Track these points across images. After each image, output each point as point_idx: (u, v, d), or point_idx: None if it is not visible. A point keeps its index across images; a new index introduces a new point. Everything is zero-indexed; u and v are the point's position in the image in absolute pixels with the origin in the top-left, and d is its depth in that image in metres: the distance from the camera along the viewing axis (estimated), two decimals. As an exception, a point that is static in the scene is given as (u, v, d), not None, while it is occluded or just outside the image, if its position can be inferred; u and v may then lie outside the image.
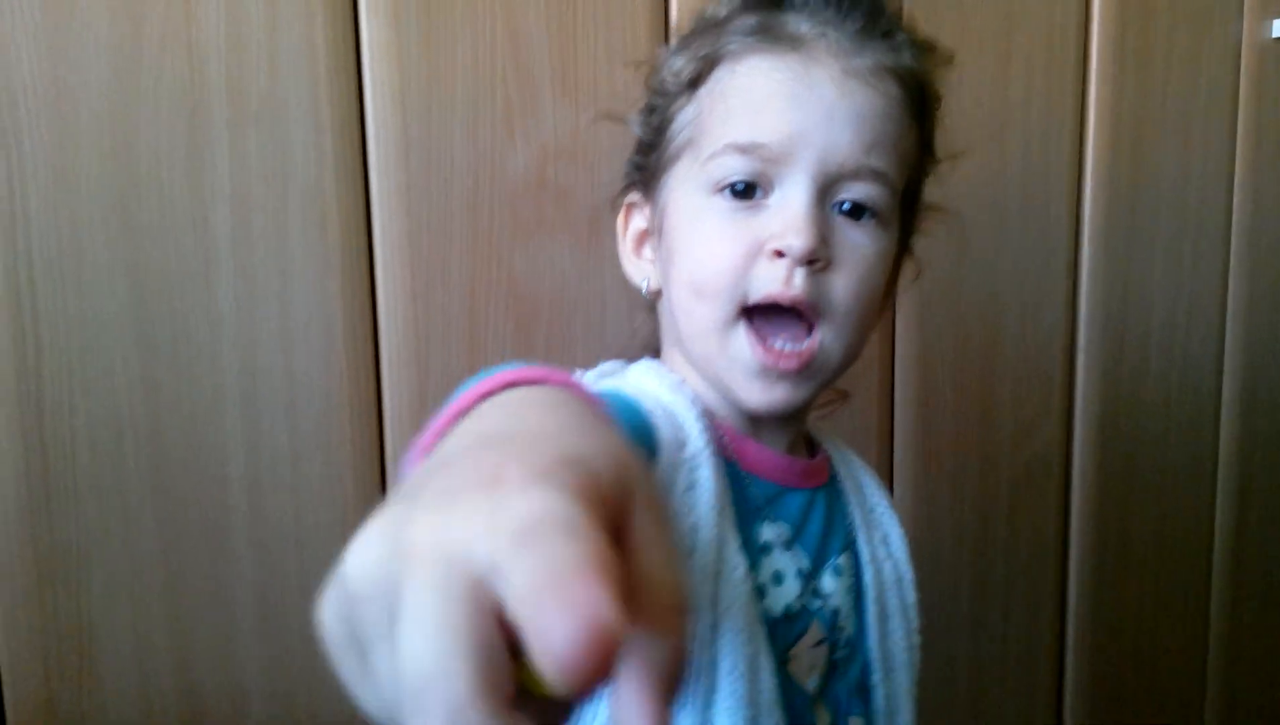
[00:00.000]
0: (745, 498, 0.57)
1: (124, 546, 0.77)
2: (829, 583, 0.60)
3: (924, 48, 0.58)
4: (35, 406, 0.73)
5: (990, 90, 1.09)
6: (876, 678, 0.62)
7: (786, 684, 0.55)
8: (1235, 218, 1.31)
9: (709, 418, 0.57)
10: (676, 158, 0.59)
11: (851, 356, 0.58)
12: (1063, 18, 1.13)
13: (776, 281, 0.53)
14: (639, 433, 0.50)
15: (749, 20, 0.56)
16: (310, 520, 0.82)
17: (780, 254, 0.53)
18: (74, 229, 0.72)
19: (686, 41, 0.60)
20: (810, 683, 0.57)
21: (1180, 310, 1.28)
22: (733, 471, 0.57)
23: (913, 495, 1.13)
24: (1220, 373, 1.34)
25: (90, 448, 0.75)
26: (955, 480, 1.15)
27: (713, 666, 0.52)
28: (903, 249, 0.63)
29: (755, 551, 0.56)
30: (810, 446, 0.67)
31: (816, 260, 0.54)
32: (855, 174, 0.54)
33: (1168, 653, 1.36)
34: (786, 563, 0.58)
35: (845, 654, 0.60)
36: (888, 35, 0.56)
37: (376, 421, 0.84)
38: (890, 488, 1.11)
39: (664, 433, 0.52)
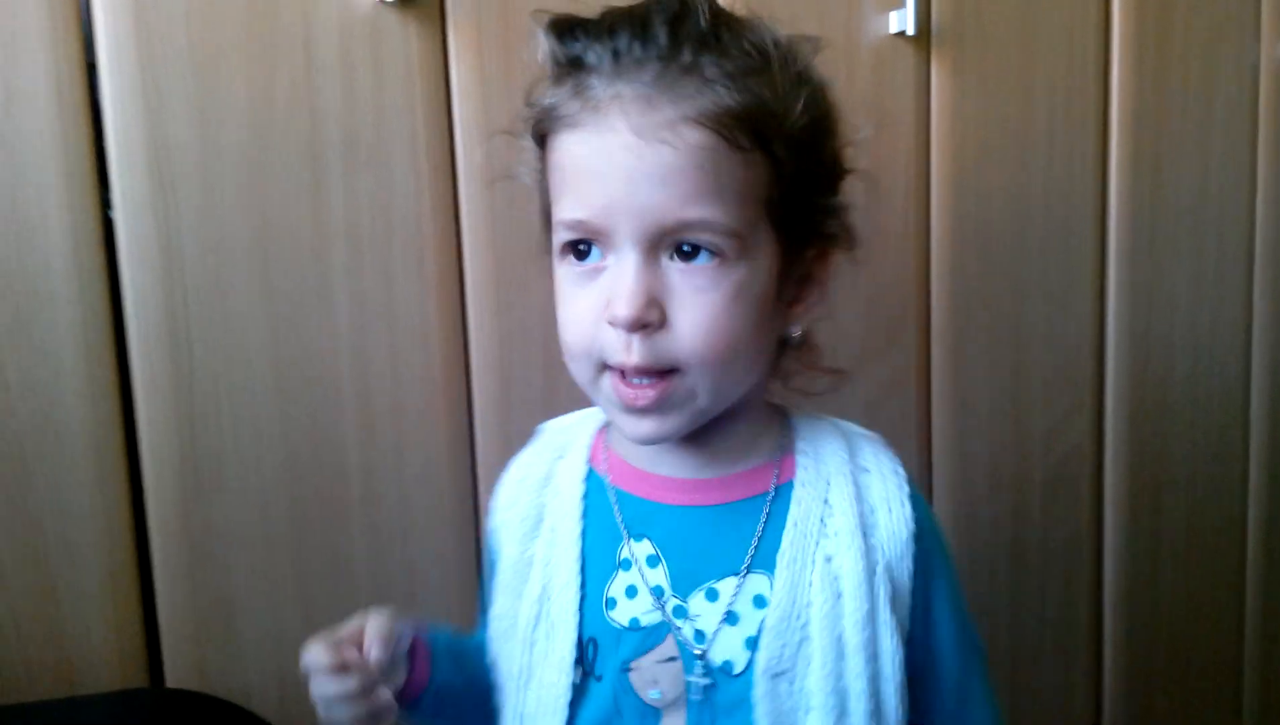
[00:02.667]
0: (619, 514, 0.62)
1: (261, 530, 0.90)
2: (699, 603, 0.59)
3: (753, 61, 0.54)
4: (188, 415, 0.87)
5: (1014, 107, 1.17)
6: (810, 716, 0.57)
7: (622, 690, 0.59)
8: (1259, 225, 1.37)
9: (607, 447, 0.65)
10: (548, 216, 0.61)
11: (732, 381, 0.58)
12: (1082, 37, 1.21)
13: (619, 350, 0.55)
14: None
15: (559, 91, 0.56)
16: (414, 505, 0.95)
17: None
18: (219, 263, 0.86)
19: (526, 111, 0.61)
20: (652, 694, 0.59)
21: (1204, 313, 1.35)
22: (611, 491, 0.63)
23: (950, 494, 1.21)
24: (1248, 373, 1.40)
25: (234, 449, 0.88)
26: (991, 479, 1.23)
27: (519, 648, 0.62)
28: (791, 255, 0.59)
29: (614, 564, 0.61)
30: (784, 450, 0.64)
31: (647, 324, 0.54)
32: (676, 229, 0.54)
33: (1203, 644, 1.42)
34: (641, 579, 0.60)
35: (716, 681, 0.58)
36: (691, 72, 0.53)
37: (467, 419, 0.97)
38: (929, 488, 1.20)
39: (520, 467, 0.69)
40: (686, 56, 0.53)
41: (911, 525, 0.60)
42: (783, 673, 0.57)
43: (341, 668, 0.57)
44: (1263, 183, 1.37)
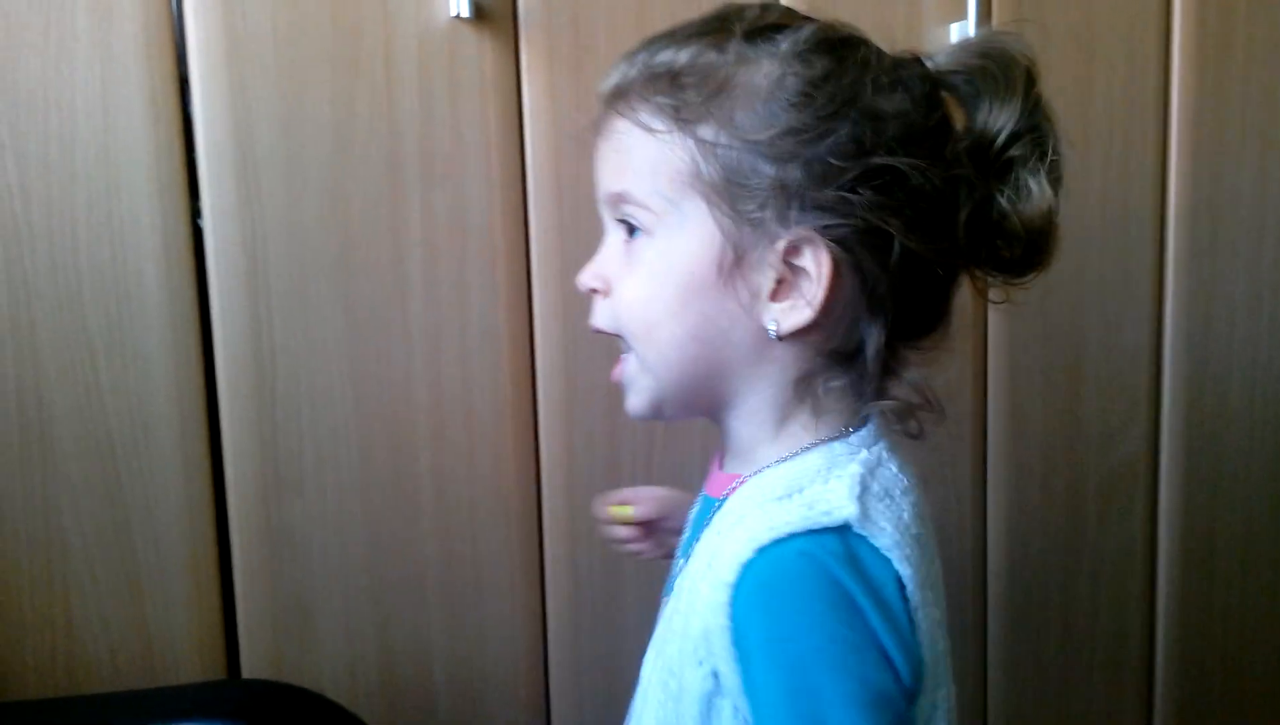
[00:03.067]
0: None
1: (337, 528, 0.94)
2: (680, 562, 0.64)
3: (688, 69, 0.56)
4: (270, 417, 0.90)
5: (1073, 110, 1.17)
6: (641, 674, 0.64)
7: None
8: (1318, 235, 1.37)
9: None
10: None
11: (670, 356, 0.58)
12: (1143, 40, 1.21)
13: (594, 314, 0.62)
14: None
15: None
16: (483, 505, 0.98)
17: None
18: (302, 271, 0.89)
19: None
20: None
21: (1263, 320, 1.34)
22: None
23: (1005, 500, 1.22)
24: (1306, 384, 1.40)
25: (313, 449, 0.92)
26: (1045, 486, 1.24)
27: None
28: (749, 235, 0.56)
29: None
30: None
31: (595, 290, 0.61)
32: (611, 201, 0.59)
33: (1255, 656, 1.41)
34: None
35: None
36: (631, 68, 0.57)
37: (532, 423, 1.00)
38: (984, 495, 1.21)
39: None
40: (635, 61, 0.58)
41: (728, 588, 0.52)
42: (657, 652, 0.62)
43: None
44: (1323, 193, 1.36)
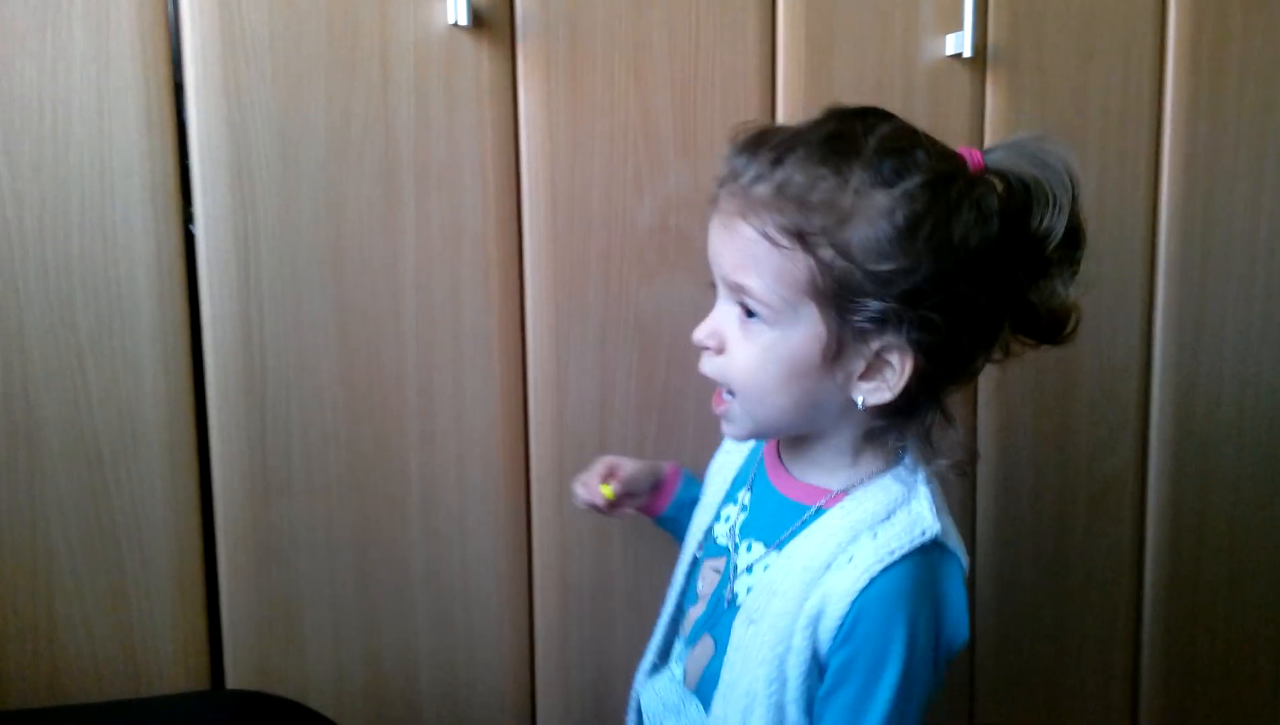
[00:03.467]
0: (752, 473, 0.84)
1: (325, 534, 0.93)
2: (744, 552, 0.78)
3: (820, 186, 0.67)
4: (259, 419, 0.90)
5: (1068, 128, 1.18)
6: (730, 644, 0.75)
7: (694, 575, 0.84)
8: (1310, 251, 1.38)
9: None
10: None
11: (772, 420, 0.74)
12: (1137, 59, 1.22)
13: (703, 361, 0.75)
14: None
15: (715, 182, 0.75)
16: (472, 512, 0.98)
17: None
18: (295, 274, 0.89)
19: None
20: (701, 586, 0.82)
21: (1254, 337, 1.35)
22: (756, 461, 0.84)
23: (994, 509, 1.22)
24: (1294, 397, 1.40)
25: (301, 453, 0.91)
26: (1035, 496, 1.24)
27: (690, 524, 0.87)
28: (850, 339, 0.69)
29: (733, 494, 0.85)
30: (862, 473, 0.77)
31: (707, 347, 0.74)
32: (733, 287, 0.71)
33: (1242, 666, 1.42)
34: (735, 512, 0.82)
35: (728, 600, 0.77)
36: (762, 182, 0.68)
37: (523, 431, 1.00)
38: (973, 505, 1.22)
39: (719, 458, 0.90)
40: (766, 172, 0.68)
41: (855, 587, 0.68)
42: (753, 624, 0.73)
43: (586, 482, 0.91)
44: (1314, 207, 1.37)
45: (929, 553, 0.70)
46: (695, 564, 0.84)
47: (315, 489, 0.93)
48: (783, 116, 1.05)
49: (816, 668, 0.71)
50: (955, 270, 0.67)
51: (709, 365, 0.74)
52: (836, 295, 0.67)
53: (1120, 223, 1.24)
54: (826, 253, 0.66)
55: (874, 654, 0.68)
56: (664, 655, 0.88)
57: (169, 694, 0.87)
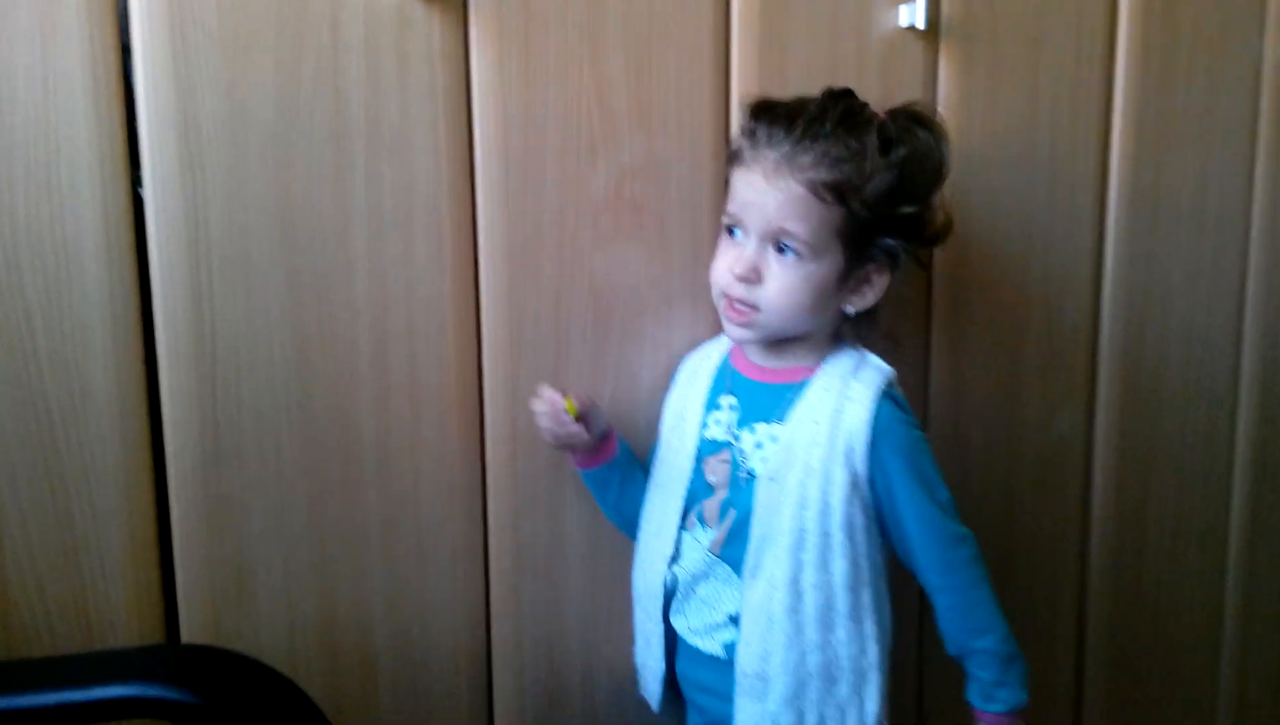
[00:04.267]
0: (728, 380, 1.01)
1: (277, 496, 0.94)
2: (746, 437, 0.97)
3: (850, 151, 0.89)
4: (210, 383, 0.91)
5: (1020, 100, 1.21)
6: (755, 504, 0.94)
7: (698, 473, 0.99)
8: (1255, 221, 1.41)
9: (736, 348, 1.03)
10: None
11: (790, 328, 0.95)
12: (1090, 32, 1.24)
13: (734, 287, 0.92)
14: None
15: (741, 142, 0.94)
16: (425, 476, 0.99)
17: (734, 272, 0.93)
18: (244, 238, 0.89)
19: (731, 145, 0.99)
20: (712, 478, 0.98)
21: (1199, 306, 1.38)
22: (729, 369, 1.01)
23: (946, 470, 1.25)
24: (1238, 367, 1.44)
25: (253, 416, 0.92)
26: (985, 459, 1.28)
27: (666, 444, 1.03)
28: (854, 266, 0.93)
29: (713, 402, 1.00)
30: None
31: (747, 280, 0.92)
32: (777, 232, 0.91)
33: (1185, 626, 1.47)
34: (725, 415, 0.99)
35: (745, 477, 0.96)
36: (805, 152, 0.89)
37: (478, 396, 1.01)
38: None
39: (692, 358, 1.06)
40: (805, 143, 0.89)
41: (867, 418, 0.92)
42: (774, 479, 0.93)
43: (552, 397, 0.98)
44: (1260, 180, 1.40)
45: (893, 390, 0.96)
46: (697, 466, 0.99)
47: (267, 451, 0.93)
48: (737, 89, 1.06)
49: (856, 494, 0.92)
50: (927, 206, 0.95)
51: (742, 291, 0.92)
52: (856, 235, 0.91)
53: (1071, 192, 1.27)
54: (855, 204, 0.89)
55: (899, 453, 0.93)
56: (671, 559, 1.01)
57: (121, 648, 0.88)
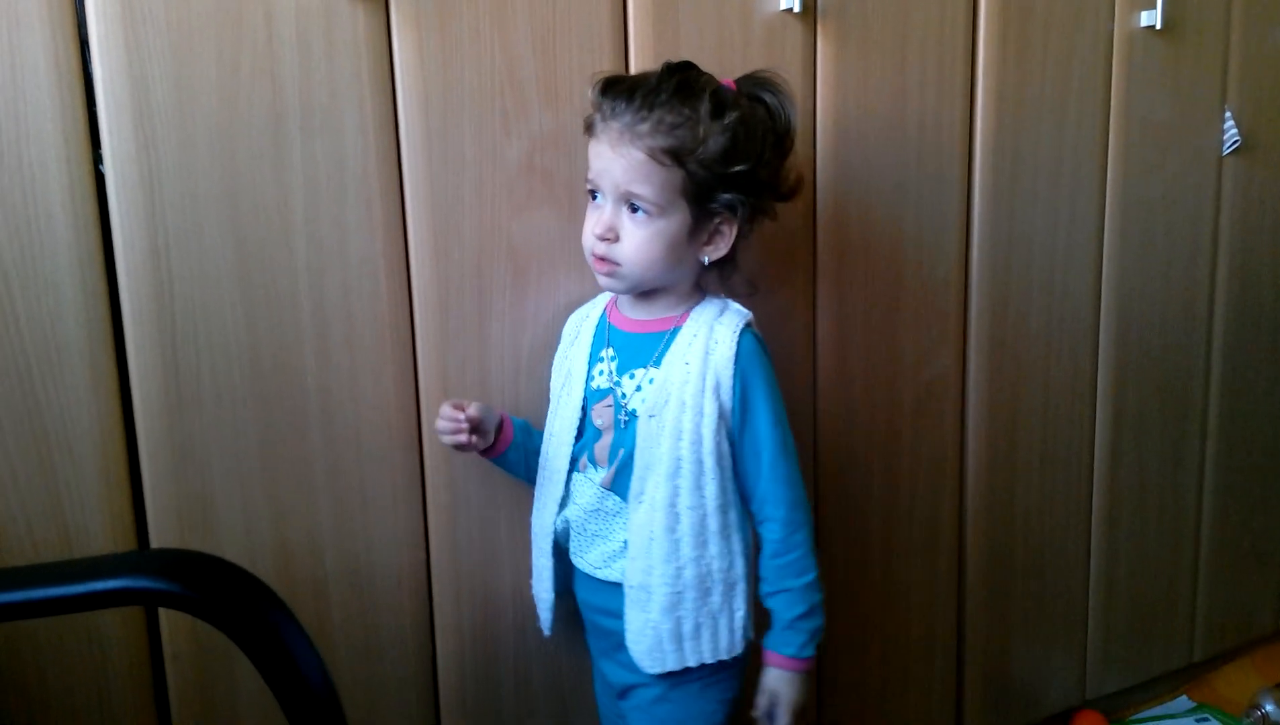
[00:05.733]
0: (607, 335, 1.12)
1: (233, 438, 1.06)
2: (625, 382, 1.08)
3: (686, 118, 0.98)
4: (170, 338, 1.02)
5: (891, 73, 1.35)
6: (637, 438, 1.05)
7: (588, 421, 1.11)
8: (1109, 176, 1.57)
9: (611, 302, 1.14)
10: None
11: (651, 279, 1.05)
12: (952, 10, 1.38)
13: (598, 246, 1.03)
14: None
15: (592, 115, 1.04)
16: (365, 420, 1.12)
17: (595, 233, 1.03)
18: (195, 210, 1.01)
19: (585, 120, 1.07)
20: (599, 422, 1.09)
21: (1059, 253, 1.54)
22: (607, 325, 1.12)
23: (833, 410, 1.40)
24: (1098, 309, 1.60)
25: (210, 367, 1.04)
26: (868, 398, 1.42)
27: (557, 398, 1.14)
28: (702, 220, 1.03)
29: (595, 356, 1.11)
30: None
31: (606, 238, 1.02)
32: (626, 195, 1.01)
33: (1052, 539, 1.64)
34: (605, 365, 1.10)
35: (626, 419, 1.07)
36: (643, 121, 0.98)
37: (411, 347, 1.14)
38: (814, 404, 1.39)
39: (572, 320, 1.17)
40: (644, 113, 0.99)
41: (731, 354, 1.03)
42: (653, 416, 1.04)
43: (452, 414, 1.10)
44: (1113, 140, 1.56)
45: (751, 329, 1.07)
46: (585, 415, 1.11)
47: (223, 400, 1.05)
48: (635, 66, 1.19)
49: (723, 424, 1.04)
50: (756, 164, 1.02)
51: (603, 249, 1.03)
52: (698, 193, 1.01)
53: (939, 154, 1.41)
54: (693, 165, 0.99)
55: (757, 383, 1.05)
56: (561, 501, 1.12)
57: (116, 553, 0.99)
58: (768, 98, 1.06)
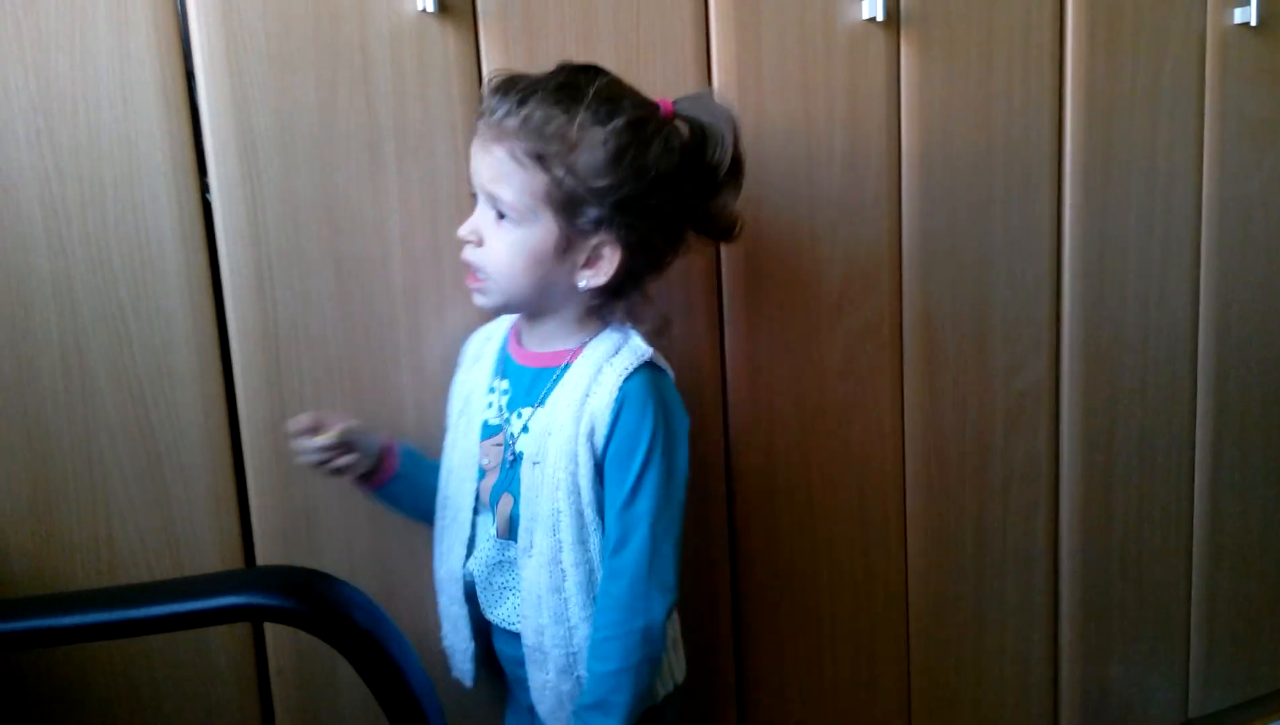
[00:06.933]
0: (500, 362, 1.04)
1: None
2: (515, 420, 1.00)
3: (555, 119, 0.90)
4: (274, 359, 1.04)
5: (976, 80, 1.34)
6: (521, 487, 0.97)
7: (480, 457, 1.01)
8: (1205, 176, 1.53)
9: (514, 327, 1.05)
10: None
11: (519, 297, 0.96)
12: (1039, 12, 1.36)
13: (465, 251, 0.97)
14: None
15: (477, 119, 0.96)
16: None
17: None
18: (297, 232, 1.04)
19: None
20: (485, 462, 1.01)
21: (1154, 258, 1.51)
22: (503, 354, 1.05)
23: (922, 424, 1.38)
24: (1196, 312, 1.56)
25: (312, 386, 1.06)
26: (957, 411, 1.40)
27: (454, 427, 1.05)
28: (575, 237, 0.93)
29: (489, 388, 1.03)
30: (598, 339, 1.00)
31: (469, 241, 0.96)
32: (489, 196, 0.93)
33: (1152, 560, 1.59)
34: (497, 398, 1.02)
35: (511, 460, 0.99)
36: (510, 117, 0.91)
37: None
38: (902, 421, 1.38)
39: (475, 341, 1.09)
40: (514, 110, 0.91)
41: (610, 399, 0.94)
42: (537, 463, 0.96)
43: (310, 432, 0.99)
44: (1208, 140, 1.52)
45: (649, 369, 0.96)
46: (474, 456, 1.02)
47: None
48: (718, 81, 1.19)
49: (599, 475, 0.95)
50: (649, 188, 0.92)
51: (470, 254, 0.96)
52: (565, 204, 0.91)
53: (1027, 159, 1.39)
54: (559, 171, 0.90)
55: (635, 434, 0.94)
56: (469, 543, 1.04)
57: (219, 571, 1.02)
58: (707, 124, 0.98)
